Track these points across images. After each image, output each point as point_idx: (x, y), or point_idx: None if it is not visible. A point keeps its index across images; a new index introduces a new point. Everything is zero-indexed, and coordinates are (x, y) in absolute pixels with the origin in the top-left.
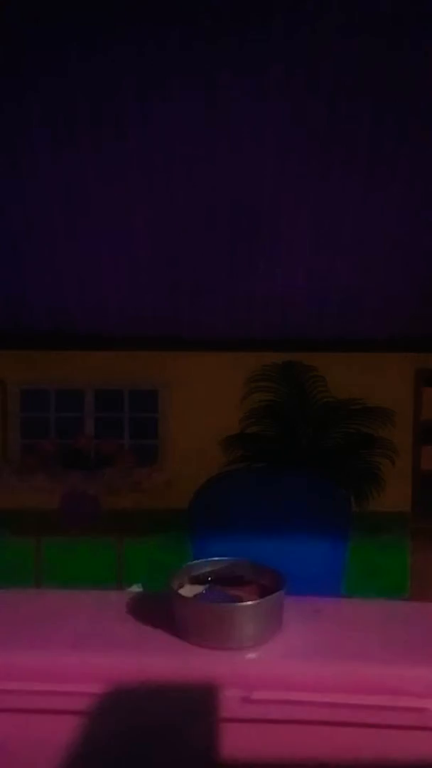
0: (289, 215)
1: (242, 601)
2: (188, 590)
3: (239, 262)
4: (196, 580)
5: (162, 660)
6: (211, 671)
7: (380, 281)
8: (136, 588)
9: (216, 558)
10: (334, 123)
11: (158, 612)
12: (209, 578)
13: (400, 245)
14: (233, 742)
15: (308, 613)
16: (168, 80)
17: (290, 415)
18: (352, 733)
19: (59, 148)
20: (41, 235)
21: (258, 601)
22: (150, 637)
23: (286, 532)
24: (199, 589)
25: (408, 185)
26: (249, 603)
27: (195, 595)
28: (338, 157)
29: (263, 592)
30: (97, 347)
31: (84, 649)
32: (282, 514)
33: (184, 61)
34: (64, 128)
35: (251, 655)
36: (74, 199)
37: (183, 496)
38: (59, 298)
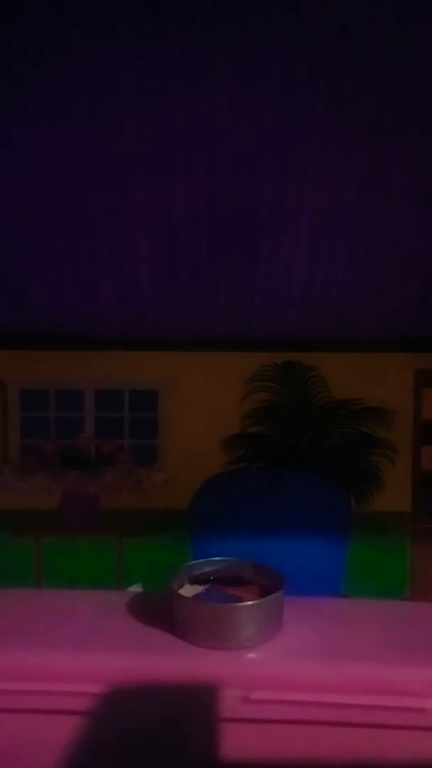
0: (289, 215)
1: (242, 601)
2: (188, 590)
3: (239, 262)
4: (196, 580)
5: (162, 660)
6: (211, 671)
7: (380, 281)
8: (136, 588)
9: (216, 558)
10: (335, 121)
11: (158, 612)
12: (209, 578)
13: (401, 245)
14: (233, 742)
15: (308, 613)
16: (167, 75)
17: (290, 415)
18: (352, 733)
19: (60, 150)
20: (41, 235)
21: (258, 601)
22: (150, 637)
23: (286, 532)
24: (199, 589)
25: (409, 185)
26: (249, 603)
27: (195, 595)
28: (339, 156)
29: (263, 592)
30: (97, 347)
31: (84, 649)
32: (282, 514)
33: (184, 56)
34: (63, 127)
35: (251, 655)
36: (74, 200)
37: (183, 496)
38: (59, 298)
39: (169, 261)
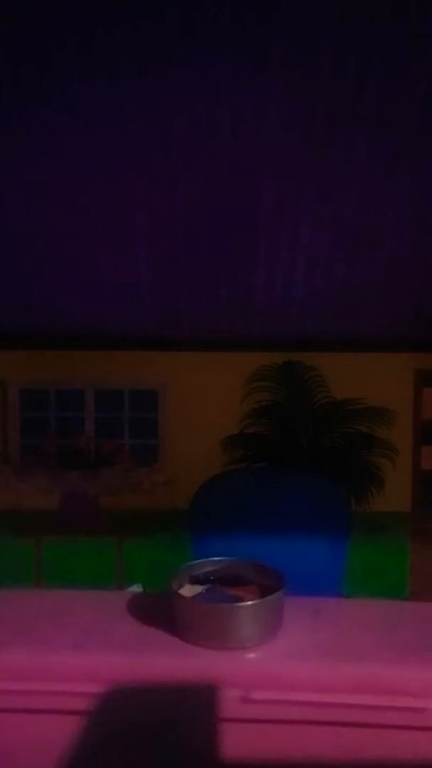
0: (289, 215)
1: (242, 601)
2: (188, 590)
3: (239, 262)
4: (196, 580)
5: (162, 660)
6: (211, 671)
7: (380, 281)
8: (136, 588)
9: (216, 558)
10: (335, 122)
11: (158, 612)
12: (209, 578)
13: (401, 245)
14: (233, 742)
15: (308, 613)
16: (168, 75)
17: (290, 415)
18: (352, 733)
19: (60, 150)
20: (41, 235)
21: (258, 601)
22: (150, 637)
23: (286, 532)
24: (199, 589)
25: (409, 185)
26: (249, 603)
27: (195, 595)
28: (339, 157)
29: (263, 592)
30: (97, 347)
31: (84, 649)
32: (282, 514)
33: (184, 56)
34: (63, 127)
35: (251, 655)
36: (74, 200)
37: (183, 496)
38: (59, 298)
39: (169, 261)
